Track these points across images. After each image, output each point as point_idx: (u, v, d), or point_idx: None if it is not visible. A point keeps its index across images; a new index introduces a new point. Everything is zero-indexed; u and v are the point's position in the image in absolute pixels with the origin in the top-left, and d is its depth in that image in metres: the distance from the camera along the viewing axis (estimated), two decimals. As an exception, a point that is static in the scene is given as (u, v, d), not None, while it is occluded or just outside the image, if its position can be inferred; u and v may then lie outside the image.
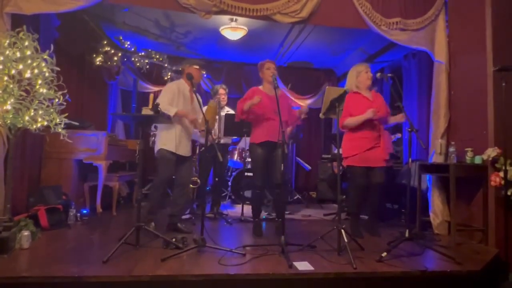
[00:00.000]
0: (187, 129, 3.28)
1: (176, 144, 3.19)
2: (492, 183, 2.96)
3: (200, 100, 3.40)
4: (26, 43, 2.62)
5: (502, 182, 2.85)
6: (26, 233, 2.59)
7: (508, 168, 2.84)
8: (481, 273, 2.42)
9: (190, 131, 3.33)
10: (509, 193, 2.84)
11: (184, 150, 3.26)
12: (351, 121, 3.26)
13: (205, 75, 6.39)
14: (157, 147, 3.23)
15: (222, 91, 4.29)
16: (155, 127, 4.57)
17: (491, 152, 3.07)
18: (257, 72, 3.50)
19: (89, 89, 4.91)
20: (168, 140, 3.19)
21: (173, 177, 3.32)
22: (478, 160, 3.23)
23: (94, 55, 4.89)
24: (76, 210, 3.60)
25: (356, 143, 3.27)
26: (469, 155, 3.29)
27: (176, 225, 3.26)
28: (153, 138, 5.12)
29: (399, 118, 3.35)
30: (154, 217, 3.20)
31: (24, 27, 2.66)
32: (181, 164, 3.28)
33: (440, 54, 3.74)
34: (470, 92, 3.46)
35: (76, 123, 3.78)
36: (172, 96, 3.19)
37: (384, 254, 2.52)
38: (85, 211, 3.85)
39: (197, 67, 3.34)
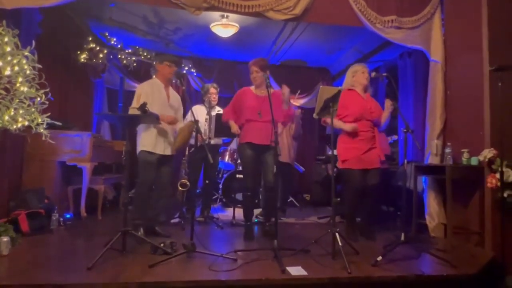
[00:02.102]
0: (167, 128, 3.25)
1: (155, 143, 3.17)
2: (489, 185, 3.01)
3: (178, 97, 3.44)
4: (6, 39, 2.59)
5: (499, 183, 2.89)
6: (5, 239, 2.54)
7: (504, 169, 2.89)
8: (477, 277, 2.45)
9: (170, 129, 3.29)
10: (505, 195, 2.90)
11: (165, 149, 3.23)
12: (336, 123, 3.24)
13: (195, 74, 6.38)
14: (138, 150, 3.21)
15: (213, 90, 4.29)
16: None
17: (488, 153, 3.12)
18: (248, 70, 3.49)
19: (73, 88, 4.86)
20: (147, 141, 3.16)
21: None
22: (474, 161, 3.28)
23: (79, 52, 4.84)
24: (59, 214, 3.55)
25: (352, 145, 3.28)
26: (465, 156, 3.34)
27: (153, 229, 3.24)
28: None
29: (387, 108, 3.34)
30: (141, 222, 3.15)
31: (4, 22, 2.62)
32: (162, 164, 3.25)
33: (436, 53, 3.79)
34: (467, 92, 3.51)
35: (59, 123, 3.74)
36: (145, 98, 3.10)
37: (379, 258, 2.54)
38: (68, 216, 3.80)
39: (168, 63, 3.30)
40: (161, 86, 3.30)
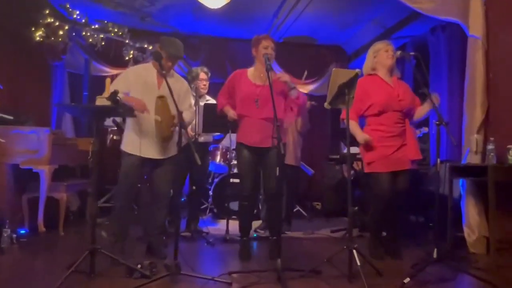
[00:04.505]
0: (153, 125, 3.22)
1: (137, 143, 3.18)
2: (541, 189, 3.02)
3: (177, 87, 3.37)
4: None
5: (553, 187, 2.90)
6: None
7: (560, 170, 2.90)
8: (527, 302, 2.48)
9: (158, 127, 3.26)
10: (561, 201, 2.91)
11: (152, 151, 3.22)
12: (350, 126, 3.05)
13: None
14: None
15: (203, 76, 4.27)
16: (114, 121, 4.53)
17: (540, 150, 3.13)
18: (244, 49, 3.50)
19: (26, 73, 4.84)
20: (129, 140, 3.21)
21: (139, 185, 3.32)
22: (523, 160, 3.30)
23: (33, 29, 4.83)
24: (11, 229, 3.54)
25: (379, 144, 3.26)
26: (511, 154, 3.36)
27: (156, 249, 3.25)
28: (111, 135, 5.08)
29: (427, 106, 3.32)
30: (122, 242, 3.17)
31: None
32: (153, 169, 3.28)
33: (475, 28, 3.79)
34: (513, 75, 3.52)
35: (10, 117, 3.73)
36: (125, 84, 3.17)
37: (406, 280, 2.54)
38: (23, 231, 3.81)
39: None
40: (151, 74, 3.31)
